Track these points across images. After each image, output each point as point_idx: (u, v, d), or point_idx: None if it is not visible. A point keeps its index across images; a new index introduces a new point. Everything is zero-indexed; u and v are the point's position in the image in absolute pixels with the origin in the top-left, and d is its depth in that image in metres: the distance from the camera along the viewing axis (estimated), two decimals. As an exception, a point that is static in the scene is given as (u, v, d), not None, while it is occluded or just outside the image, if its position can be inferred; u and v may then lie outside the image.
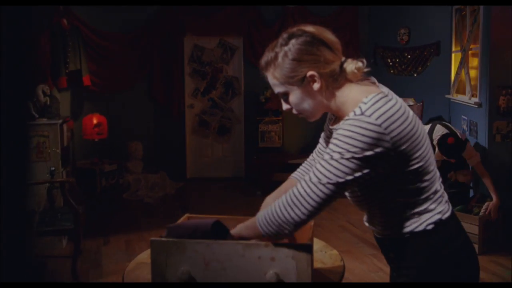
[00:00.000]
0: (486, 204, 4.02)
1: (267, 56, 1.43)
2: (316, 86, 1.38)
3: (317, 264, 1.78)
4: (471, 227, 3.91)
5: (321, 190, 1.33)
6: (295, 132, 6.66)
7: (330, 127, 1.48)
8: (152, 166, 6.44)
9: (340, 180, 1.31)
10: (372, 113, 1.30)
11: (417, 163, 1.37)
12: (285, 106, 1.47)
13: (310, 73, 1.36)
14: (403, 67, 6.05)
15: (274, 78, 1.42)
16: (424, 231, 1.42)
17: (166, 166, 6.48)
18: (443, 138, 3.79)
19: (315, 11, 6.54)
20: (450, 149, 3.76)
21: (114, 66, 6.17)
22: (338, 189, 1.33)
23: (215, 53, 6.55)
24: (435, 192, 1.44)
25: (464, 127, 5.00)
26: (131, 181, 6.09)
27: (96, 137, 5.77)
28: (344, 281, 1.77)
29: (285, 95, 1.43)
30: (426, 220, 1.42)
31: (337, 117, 1.46)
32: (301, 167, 1.75)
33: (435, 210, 1.43)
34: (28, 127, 3.64)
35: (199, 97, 6.65)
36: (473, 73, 4.95)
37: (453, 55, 5.37)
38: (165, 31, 6.30)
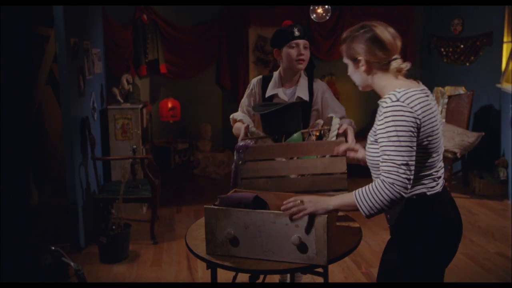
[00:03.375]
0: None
1: (346, 35, 1.90)
2: (362, 68, 1.86)
3: (338, 234, 2.11)
4: None
5: (402, 170, 1.70)
6: (349, 117, 6.98)
7: (379, 102, 1.88)
8: (219, 146, 6.98)
9: (407, 156, 1.70)
10: (405, 100, 1.74)
11: (429, 143, 1.78)
12: (348, 72, 1.95)
13: (359, 57, 1.85)
14: (456, 56, 6.14)
15: (343, 51, 1.92)
16: (410, 199, 1.81)
17: (232, 146, 6.98)
18: None
19: (372, 3, 6.76)
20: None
21: (186, 55, 6.72)
22: (410, 165, 1.70)
23: (277, 43, 7.00)
24: (433, 173, 1.83)
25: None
26: (201, 158, 6.61)
27: (171, 119, 6.30)
28: (363, 249, 2.14)
29: (347, 65, 1.94)
30: (415, 191, 1.81)
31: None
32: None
33: (426, 185, 1.82)
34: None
35: (262, 83, 7.16)
36: (521, 64, 5.08)
37: (504, 45, 5.43)
38: (232, 23, 6.79)
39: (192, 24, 6.75)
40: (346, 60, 1.92)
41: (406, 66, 1.85)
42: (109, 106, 5.08)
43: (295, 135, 2.35)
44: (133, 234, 4.30)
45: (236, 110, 2.96)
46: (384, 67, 1.84)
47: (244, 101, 2.91)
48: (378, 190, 1.71)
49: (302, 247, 1.84)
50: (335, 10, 6.73)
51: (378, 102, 1.86)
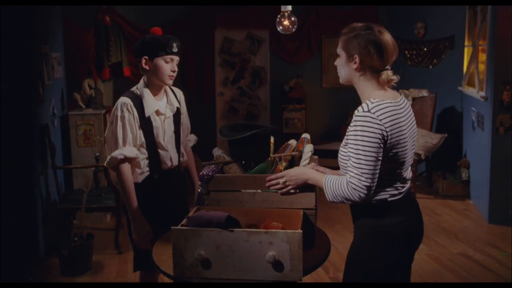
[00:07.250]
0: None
1: (350, 28, 1.91)
2: (353, 65, 1.89)
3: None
4: None
5: (364, 178, 1.80)
6: (317, 119, 7.01)
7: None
8: (186, 149, 6.95)
9: (371, 166, 1.78)
10: (375, 111, 1.79)
11: (395, 155, 1.83)
12: (336, 62, 1.98)
13: (355, 55, 1.87)
14: (419, 59, 6.26)
15: (341, 42, 1.93)
16: (370, 203, 1.88)
17: (198, 149, 6.91)
18: None
19: (337, 5, 6.81)
20: None
21: (151, 57, 6.65)
22: (372, 174, 1.79)
23: (243, 45, 6.95)
24: (397, 183, 1.90)
25: (473, 118, 5.27)
26: (167, 162, 6.59)
27: (135, 123, 6.25)
28: (331, 254, 2.13)
29: (338, 56, 1.96)
30: (377, 196, 1.87)
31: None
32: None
33: (388, 192, 1.88)
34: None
35: (229, 85, 7.11)
36: (482, 67, 5.17)
37: (465, 49, 5.56)
38: (198, 25, 6.71)
39: (156, 26, 6.61)
40: (340, 51, 1.94)
41: (397, 78, 1.89)
42: (70, 112, 4.93)
43: (263, 164, 2.24)
44: (97, 243, 4.16)
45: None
46: (374, 74, 1.87)
47: (128, 132, 2.46)
48: (342, 187, 1.86)
49: (276, 264, 1.81)
50: (301, 12, 6.74)
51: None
